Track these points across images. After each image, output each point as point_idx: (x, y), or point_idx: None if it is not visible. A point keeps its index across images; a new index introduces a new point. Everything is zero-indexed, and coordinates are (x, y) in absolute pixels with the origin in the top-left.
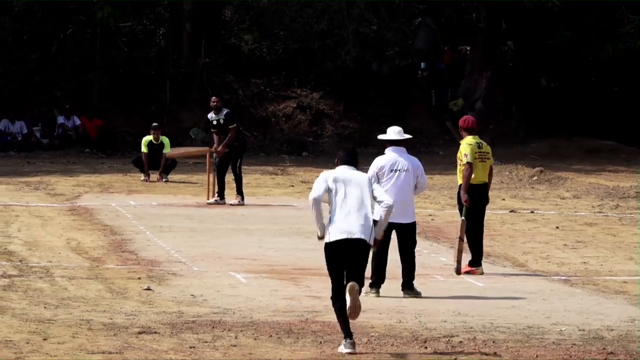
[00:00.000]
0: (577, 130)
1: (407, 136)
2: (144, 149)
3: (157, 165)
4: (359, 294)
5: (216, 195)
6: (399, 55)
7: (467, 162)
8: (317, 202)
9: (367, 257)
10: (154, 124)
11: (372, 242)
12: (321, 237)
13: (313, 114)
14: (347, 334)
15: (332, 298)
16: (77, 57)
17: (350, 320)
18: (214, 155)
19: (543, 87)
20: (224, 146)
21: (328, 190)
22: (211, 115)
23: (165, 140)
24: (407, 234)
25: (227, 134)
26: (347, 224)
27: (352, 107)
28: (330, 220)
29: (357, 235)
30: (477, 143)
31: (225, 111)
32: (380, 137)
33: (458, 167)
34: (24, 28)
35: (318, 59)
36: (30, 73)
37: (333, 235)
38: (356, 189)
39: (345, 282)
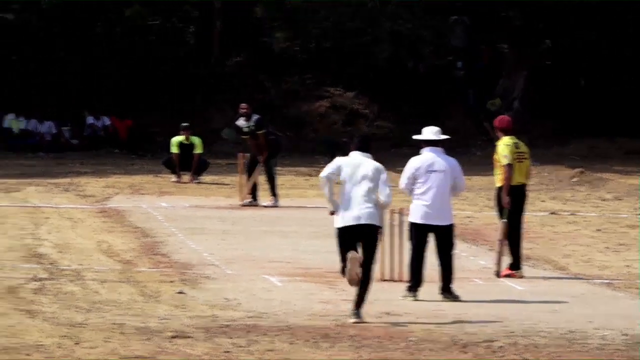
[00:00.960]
0: (617, 131)
1: (444, 136)
2: (174, 150)
3: (188, 166)
4: (359, 264)
5: (250, 196)
6: (435, 54)
7: (507, 164)
8: (326, 180)
9: (377, 240)
10: (184, 124)
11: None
12: (332, 213)
13: (347, 114)
14: (356, 305)
15: (341, 271)
16: (106, 56)
17: (361, 293)
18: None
19: (582, 87)
20: (264, 155)
21: (338, 175)
22: (241, 122)
23: (195, 140)
24: (445, 237)
25: (258, 139)
26: (356, 210)
27: (387, 106)
28: (341, 205)
29: (364, 221)
30: (515, 143)
31: (255, 117)
32: (416, 137)
33: (495, 168)
34: (52, 27)
35: (352, 58)
36: (58, 72)
37: (342, 221)
38: (366, 176)
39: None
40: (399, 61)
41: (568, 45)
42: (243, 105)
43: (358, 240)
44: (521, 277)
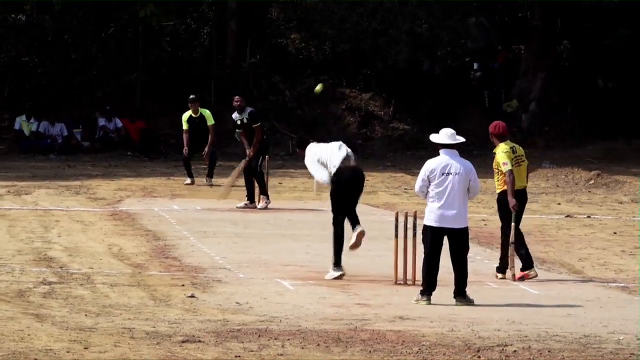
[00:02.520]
0: (635, 133)
1: (460, 139)
2: (184, 126)
3: (202, 140)
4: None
5: (246, 199)
6: (451, 55)
7: (509, 170)
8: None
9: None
10: (191, 96)
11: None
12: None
13: (362, 116)
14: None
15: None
16: (119, 57)
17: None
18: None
19: (600, 88)
20: (253, 151)
21: None
22: (235, 115)
23: (205, 112)
24: (460, 240)
25: (253, 134)
26: None
27: (403, 108)
28: None
29: None
30: (511, 147)
31: (248, 110)
32: (432, 139)
33: (495, 175)
34: (64, 27)
35: (368, 59)
36: (70, 73)
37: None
38: None
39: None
40: (415, 62)
41: (586, 46)
42: (236, 97)
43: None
44: (535, 275)
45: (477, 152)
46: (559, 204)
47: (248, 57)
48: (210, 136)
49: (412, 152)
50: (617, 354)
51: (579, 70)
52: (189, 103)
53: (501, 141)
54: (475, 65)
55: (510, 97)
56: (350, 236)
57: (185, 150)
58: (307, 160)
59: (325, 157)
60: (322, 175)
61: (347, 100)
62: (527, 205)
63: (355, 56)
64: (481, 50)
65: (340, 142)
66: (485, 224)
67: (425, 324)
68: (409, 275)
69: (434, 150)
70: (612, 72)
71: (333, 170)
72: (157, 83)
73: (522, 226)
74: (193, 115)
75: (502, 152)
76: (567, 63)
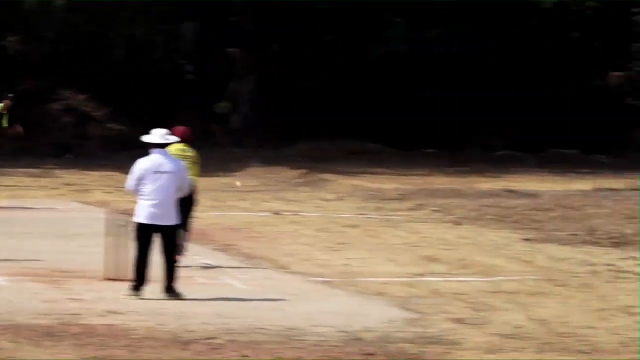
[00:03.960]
0: (341, 132)
1: (172, 139)
2: None
3: None
4: None
5: None
6: (166, 58)
7: None
8: None
9: None
10: None
11: None
12: None
13: (79, 116)
14: None
15: None
16: None
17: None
18: None
19: (308, 90)
20: None
21: None
22: None
23: None
24: (170, 237)
25: None
26: None
27: (120, 109)
28: None
29: None
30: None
31: None
32: (144, 139)
33: None
34: None
35: (86, 61)
36: None
37: None
38: None
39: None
40: (133, 64)
41: (294, 49)
42: None
43: None
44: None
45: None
46: (267, 201)
47: None
48: None
49: (127, 152)
50: (319, 345)
51: (288, 73)
52: None
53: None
54: (189, 68)
55: (222, 99)
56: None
57: None
58: None
59: None
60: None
61: (64, 100)
62: (236, 203)
63: (73, 58)
64: (195, 53)
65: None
66: (196, 222)
67: (135, 318)
68: (121, 271)
69: (149, 150)
70: (319, 74)
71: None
72: None
73: (232, 222)
74: None
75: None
76: (276, 66)
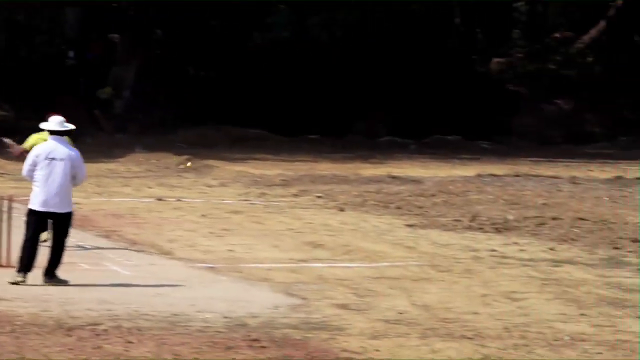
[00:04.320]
0: (225, 119)
1: (70, 127)
2: None
3: None
4: None
5: None
6: (48, 43)
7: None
8: None
9: None
10: None
11: None
12: None
13: None
14: None
15: None
16: None
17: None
18: None
19: (191, 76)
20: None
21: None
22: None
23: None
24: (62, 224)
25: None
26: None
27: (3, 95)
28: None
29: None
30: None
31: None
32: (42, 126)
33: None
34: None
35: None
36: None
37: None
38: None
39: None
40: (14, 50)
41: (178, 36)
42: None
43: None
44: None
45: (72, 138)
46: (151, 187)
47: None
48: None
49: (11, 138)
50: (203, 331)
51: (172, 59)
52: None
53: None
54: (71, 53)
55: (105, 85)
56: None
57: None
58: None
59: None
60: None
61: None
62: (120, 189)
63: None
64: (77, 39)
65: None
66: (79, 207)
67: (19, 305)
68: (4, 257)
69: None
70: (203, 61)
71: None
72: None
73: (116, 208)
74: None
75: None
76: (160, 52)
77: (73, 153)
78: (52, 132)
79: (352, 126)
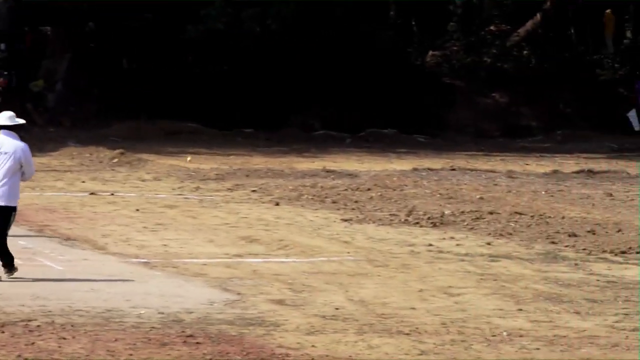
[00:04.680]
0: (159, 112)
1: (20, 121)
2: None
3: None
4: None
5: None
6: None
7: None
8: None
9: None
10: None
11: None
12: None
13: None
14: None
15: None
16: None
17: None
18: None
19: (124, 69)
20: None
21: None
22: None
23: None
24: (4, 217)
25: None
26: None
27: None
28: None
29: None
30: None
31: None
32: None
33: None
34: None
35: None
36: None
37: None
38: None
39: None
40: None
41: (111, 28)
42: None
43: None
44: None
45: None
46: (84, 181)
47: None
48: None
49: None
50: (138, 327)
51: (105, 52)
52: None
53: None
54: (2, 46)
55: (36, 77)
56: None
57: None
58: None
59: None
60: None
61: None
62: (53, 183)
63: None
64: (8, 31)
65: None
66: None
67: None
68: None
69: None
70: (136, 54)
71: None
72: None
73: (49, 203)
74: None
75: None
76: (93, 44)
77: (21, 148)
78: (2, 127)
79: (287, 120)
